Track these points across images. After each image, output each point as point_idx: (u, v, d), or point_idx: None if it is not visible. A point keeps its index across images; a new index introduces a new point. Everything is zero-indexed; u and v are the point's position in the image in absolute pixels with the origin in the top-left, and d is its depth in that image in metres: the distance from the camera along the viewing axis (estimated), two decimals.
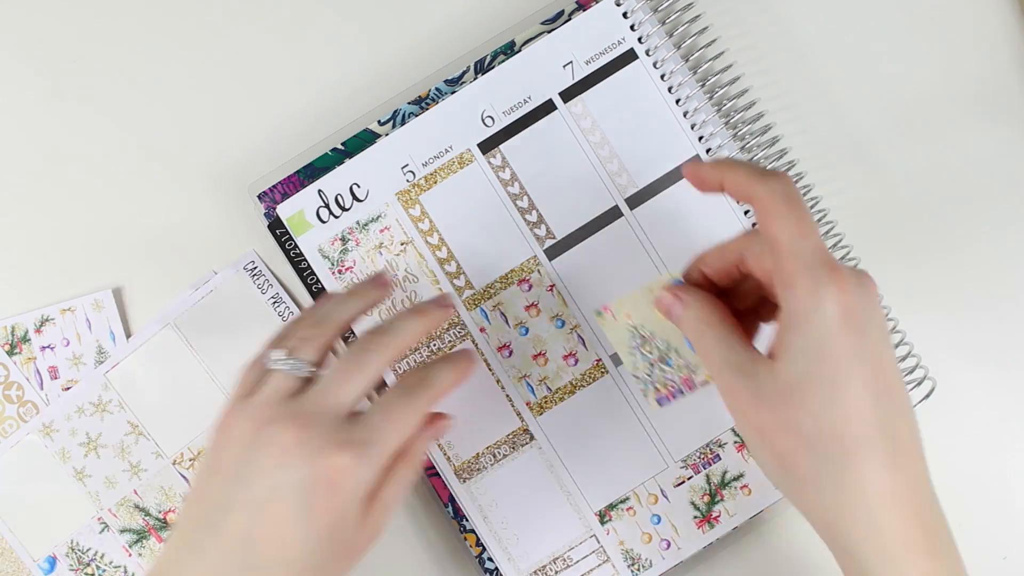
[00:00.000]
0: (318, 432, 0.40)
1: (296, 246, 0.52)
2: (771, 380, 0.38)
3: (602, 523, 0.52)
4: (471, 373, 0.46)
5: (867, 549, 0.37)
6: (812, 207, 0.52)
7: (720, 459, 0.52)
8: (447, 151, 0.52)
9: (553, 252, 0.52)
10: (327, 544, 0.40)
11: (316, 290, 0.52)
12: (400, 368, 0.52)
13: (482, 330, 0.52)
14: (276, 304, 0.53)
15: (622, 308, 0.45)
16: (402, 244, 0.52)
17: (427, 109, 0.52)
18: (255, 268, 0.53)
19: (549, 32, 0.51)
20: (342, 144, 0.52)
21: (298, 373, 0.42)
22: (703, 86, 0.51)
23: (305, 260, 0.52)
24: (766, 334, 0.42)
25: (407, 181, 0.52)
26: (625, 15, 0.51)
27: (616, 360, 0.52)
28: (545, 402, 0.52)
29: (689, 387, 0.45)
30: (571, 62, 0.51)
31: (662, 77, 0.51)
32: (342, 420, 0.41)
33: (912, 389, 0.51)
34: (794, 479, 0.38)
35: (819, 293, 0.36)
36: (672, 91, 0.51)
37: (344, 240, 0.52)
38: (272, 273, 0.54)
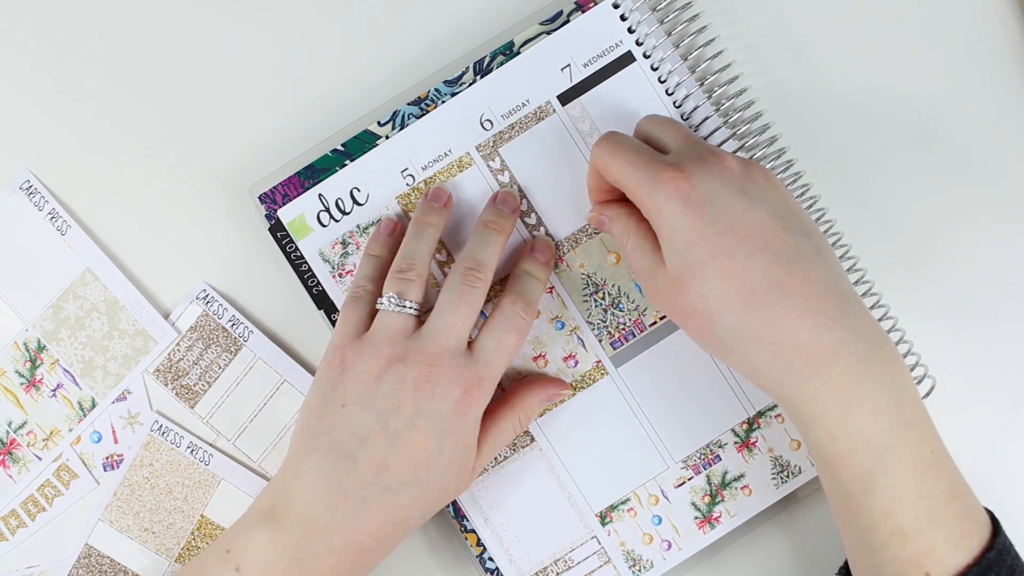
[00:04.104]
0: (447, 370, 0.46)
1: (297, 249, 0.52)
2: (663, 278, 0.45)
3: (603, 524, 0.52)
4: (553, 259, 0.51)
5: (773, 391, 0.44)
6: (810, 207, 0.52)
7: (720, 459, 0.52)
8: (446, 155, 0.52)
9: None
10: (451, 466, 0.47)
11: (316, 292, 0.52)
12: None
13: None
14: (54, 219, 0.54)
15: (576, 259, 0.51)
16: None
17: (427, 111, 0.52)
18: (30, 187, 0.54)
19: (548, 34, 0.51)
20: (342, 145, 0.53)
21: (411, 314, 0.47)
22: (701, 85, 0.51)
23: (306, 263, 0.52)
24: None
25: (407, 185, 0.52)
26: (623, 17, 0.51)
27: (616, 361, 0.52)
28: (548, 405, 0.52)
29: (640, 329, 0.51)
30: (569, 65, 0.51)
31: (660, 79, 0.51)
32: (462, 355, 0.47)
33: None
34: (716, 348, 0.45)
35: (657, 199, 0.43)
36: (670, 92, 0.51)
37: (344, 244, 0.52)
38: (49, 190, 0.54)
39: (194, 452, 0.54)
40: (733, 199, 0.43)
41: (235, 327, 0.54)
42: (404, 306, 0.47)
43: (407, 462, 0.45)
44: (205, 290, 0.54)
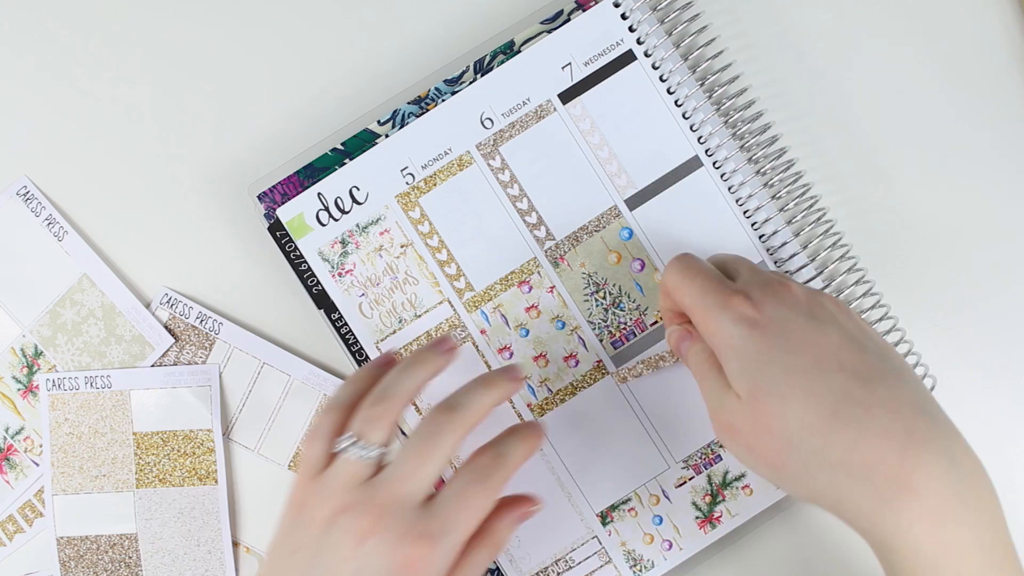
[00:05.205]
0: (395, 522, 0.41)
1: (296, 248, 0.52)
2: (735, 405, 0.42)
3: (604, 524, 0.52)
4: (540, 446, 0.47)
5: (861, 523, 0.39)
6: (811, 206, 0.52)
7: (721, 459, 0.52)
8: (446, 153, 0.52)
9: (553, 253, 0.52)
10: None
11: (316, 292, 0.52)
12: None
13: (483, 332, 0.52)
14: (51, 225, 0.54)
15: (577, 258, 0.51)
16: (402, 247, 0.52)
17: (427, 109, 0.52)
18: (27, 193, 0.54)
19: (548, 32, 0.51)
20: (342, 144, 0.52)
21: (368, 459, 0.43)
22: (702, 85, 0.51)
23: (305, 262, 0.52)
24: None
25: (406, 184, 0.52)
26: (624, 16, 0.51)
27: (617, 361, 0.52)
28: (546, 403, 0.52)
29: (641, 329, 0.51)
30: (569, 64, 0.51)
31: (661, 78, 0.51)
32: (417, 509, 0.42)
33: None
34: (795, 476, 0.41)
35: (724, 324, 0.42)
36: (671, 92, 0.51)
37: (344, 243, 0.52)
38: (45, 196, 0.54)
39: (92, 384, 0.54)
40: (802, 322, 0.42)
41: (204, 323, 0.54)
42: (360, 451, 0.43)
43: None
44: (167, 294, 0.54)
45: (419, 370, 0.45)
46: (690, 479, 0.52)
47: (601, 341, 0.52)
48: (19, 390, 0.54)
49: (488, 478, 0.43)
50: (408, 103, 0.52)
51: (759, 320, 0.42)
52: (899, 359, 0.43)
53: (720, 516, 0.52)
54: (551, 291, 0.52)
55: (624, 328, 0.52)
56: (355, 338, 0.52)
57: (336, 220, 0.52)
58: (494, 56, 0.52)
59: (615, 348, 0.52)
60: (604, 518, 0.52)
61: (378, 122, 0.52)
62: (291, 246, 0.52)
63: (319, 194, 0.51)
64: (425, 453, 0.42)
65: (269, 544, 0.44)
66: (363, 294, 0.52)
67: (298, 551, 0.42)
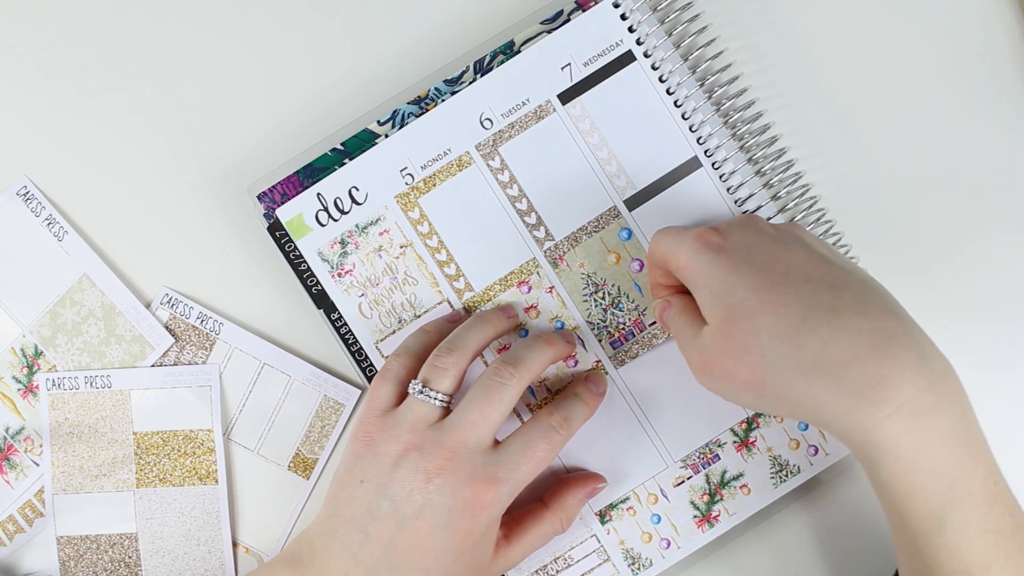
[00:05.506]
0: (462, 465, 0.45)
1: (296, 248, 0.52)
2: (707, 336, 0.43)
3: (602, 523, 0.52)
4: (600, 403, 0.51)
5: (839, 423, 0.40)
6: (810, 206, 0.52)
7: (719, 459, 0.52)
8: (446, 154, 0.52)
9: (552, 254, 0.52)
10: (460, 559, 0.46)
11: (316, 292, 0.52)
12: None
13: None
14: (51, 225, 0.54)
15: (576, 258, 0.51)
16: (401, 247, 0.52)
17: (426, 110, 0.52)
18: (27, 193, 0.54)
19: (548, 33, 0.51)
20: (341, 144, 0.52)
21: (437, 405, 0.47)
22: (702, 86, 0.51)
23: (305, 263, 0.52)
24: None
25: (406, 184, 0.52)
26: (624, 16, 0.51)
27: (614, 361, 0.52)
28: (545, 404, 0.52)
29: (640, 329, 0.51)
30: (569, 64, 0.51)
31: (660, 79, 0.51)
32: (484, 454, 0.46)
33: None
34: (770, 393, 0.41)
35: (692, 255, 0.44)
36: (671, 92, 0.51)
37: (343, 243, 0.52)
38: (45, 196, 0.54)
39: (92, 384, 0.54)
40: (768, 244, 0.43)
41: (204, 323, 0.54)
42: (429, 396, 0.47)
43: (413, 547, 0.45)
44: (168, 294, 0.54)
45: (487, 327, 0.49)
46: (688, 478, 0.52)
47: (600, 341, 0.52)
48: (19, 390, 0.54)
49: (552, 437, 0.47)
50: (408, 103, 0.52)
51: (725, 246, 0.43)
52: (865, 273, 0.44)
53: (718, 515, 0.52)
54: (550, 291, 0.52)
55: (623, 328, 0.52)
56: (355, 338, 0.52)
57: (335, 220, 0.52)
58: (494, 56, 0.52)
59: (614, 348, 0.52)
60: (603, 517, 0.52)
61: (378, 122, 0.52)
62: (291, 246, 0.52)
63: (318, 194, 0.52)
64: (489, 403, 0.46)
65: (336, 472, 0.48)
66: (363, 294, 0.52)
67: (367, 480, 0.46)
